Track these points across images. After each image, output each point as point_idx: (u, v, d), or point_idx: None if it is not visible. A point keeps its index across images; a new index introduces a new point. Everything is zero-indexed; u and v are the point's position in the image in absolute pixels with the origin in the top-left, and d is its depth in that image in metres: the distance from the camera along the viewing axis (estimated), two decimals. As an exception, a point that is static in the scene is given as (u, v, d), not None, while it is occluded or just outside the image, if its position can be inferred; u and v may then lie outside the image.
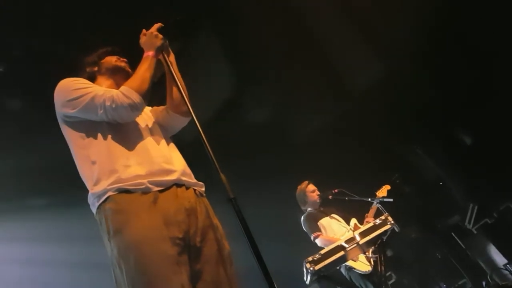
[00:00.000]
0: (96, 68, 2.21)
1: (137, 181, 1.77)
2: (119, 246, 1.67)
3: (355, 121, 5.67)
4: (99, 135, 1.87)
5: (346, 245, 3.45)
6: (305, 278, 3.68)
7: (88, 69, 2.20)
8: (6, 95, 3.96)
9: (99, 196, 1.77)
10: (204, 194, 1.99)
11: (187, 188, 1.89)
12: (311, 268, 3.39)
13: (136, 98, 1.84)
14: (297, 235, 4.69)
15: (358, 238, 3.47)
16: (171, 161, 1.93)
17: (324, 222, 4.38)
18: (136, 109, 1.86)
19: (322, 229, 4.38)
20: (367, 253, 4.10)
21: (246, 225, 1.60)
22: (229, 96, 5.14)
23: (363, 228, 3.52)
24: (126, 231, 1.68)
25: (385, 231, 3.53)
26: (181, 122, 2.18)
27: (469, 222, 4.98)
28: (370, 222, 4.12)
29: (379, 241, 3.63)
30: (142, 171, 1.81)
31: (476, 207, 4.93)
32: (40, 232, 5.02)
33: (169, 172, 1.86)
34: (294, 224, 4.75)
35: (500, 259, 4.87)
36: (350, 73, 5.35)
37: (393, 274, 5.07)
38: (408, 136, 6.08)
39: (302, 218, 4.52)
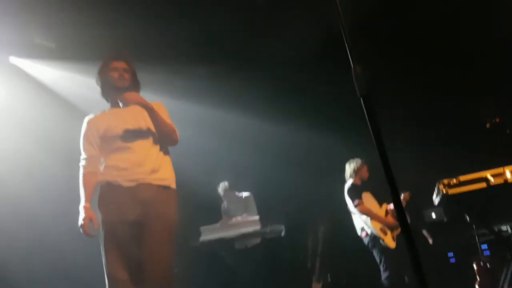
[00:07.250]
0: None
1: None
2: None
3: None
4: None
5: (491, 179, 3.09)
6: (434, 197, 3.51)
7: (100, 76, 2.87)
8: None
9: None
10: (168, 186, 2.74)
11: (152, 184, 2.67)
12: (444, 190, 3.18)
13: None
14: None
15: (509, 175, 3.05)
16: (145, 163, 2.66)
17: (365, 196, 4.96)
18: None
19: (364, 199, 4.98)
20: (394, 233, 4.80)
21: (376, 124, 1.52)
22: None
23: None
24: None
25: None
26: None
27: None
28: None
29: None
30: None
31: None
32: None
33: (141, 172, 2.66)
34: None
35: None
36: None
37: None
38: None
39: (349, 185, 5.01)
